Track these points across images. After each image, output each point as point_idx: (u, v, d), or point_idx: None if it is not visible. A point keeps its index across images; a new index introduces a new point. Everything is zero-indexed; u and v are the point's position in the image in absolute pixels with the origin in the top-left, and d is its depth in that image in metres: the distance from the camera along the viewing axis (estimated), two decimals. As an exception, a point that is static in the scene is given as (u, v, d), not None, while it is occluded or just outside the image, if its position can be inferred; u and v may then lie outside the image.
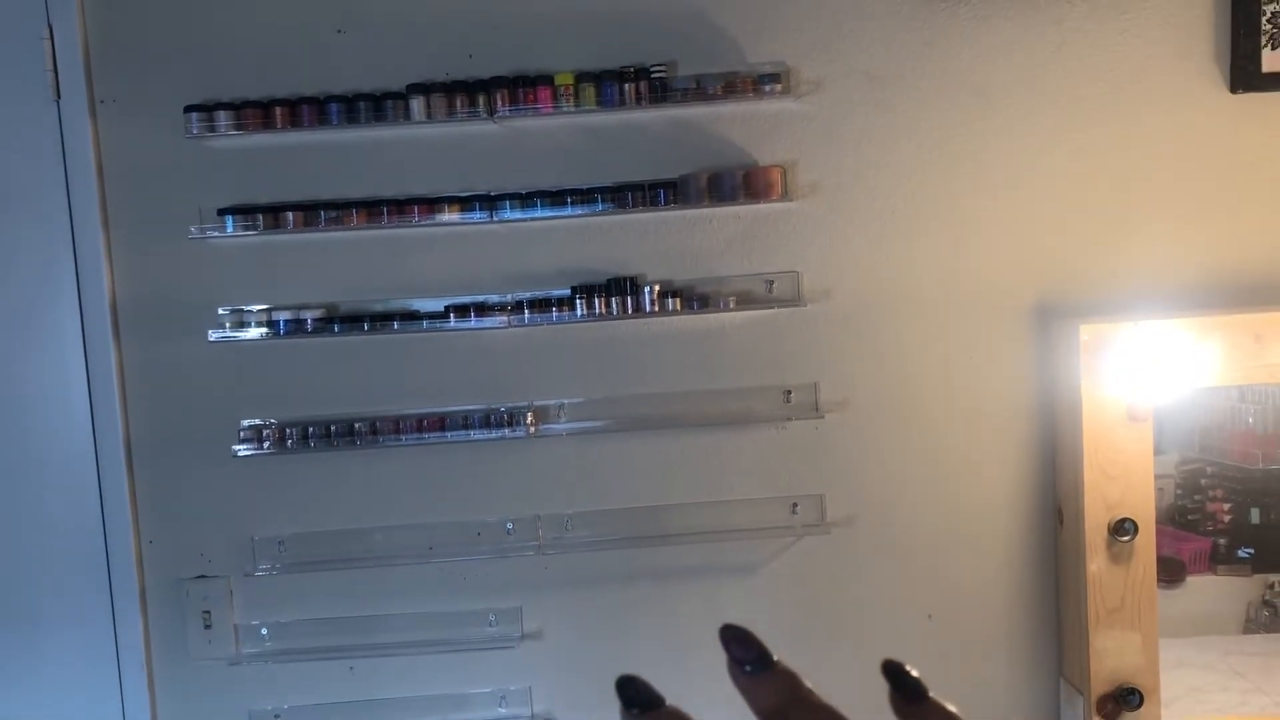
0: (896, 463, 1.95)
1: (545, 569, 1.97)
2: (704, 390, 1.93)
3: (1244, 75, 1.86)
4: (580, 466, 1.95)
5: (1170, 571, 2.01)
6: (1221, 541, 2.08)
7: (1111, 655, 1.80)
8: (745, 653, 0.37)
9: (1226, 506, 2.09)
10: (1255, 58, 1.85)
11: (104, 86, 1.90)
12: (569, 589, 1.98)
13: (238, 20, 1.88)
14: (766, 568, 1.97)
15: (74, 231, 1.91)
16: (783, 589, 1.98)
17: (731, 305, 1.89)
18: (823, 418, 1.93)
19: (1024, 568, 1.97)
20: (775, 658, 0.37)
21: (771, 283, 1.91)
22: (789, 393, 1.94)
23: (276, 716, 2.00)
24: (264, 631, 1.98)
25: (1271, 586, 2.09)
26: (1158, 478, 1.80)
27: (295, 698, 2.00)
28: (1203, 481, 2.09)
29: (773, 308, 1.91)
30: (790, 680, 0.37)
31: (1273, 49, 1.85)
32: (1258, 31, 1.85)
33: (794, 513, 1.96)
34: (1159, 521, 1.81)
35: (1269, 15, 1.85)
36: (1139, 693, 1.78)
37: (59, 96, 1.89)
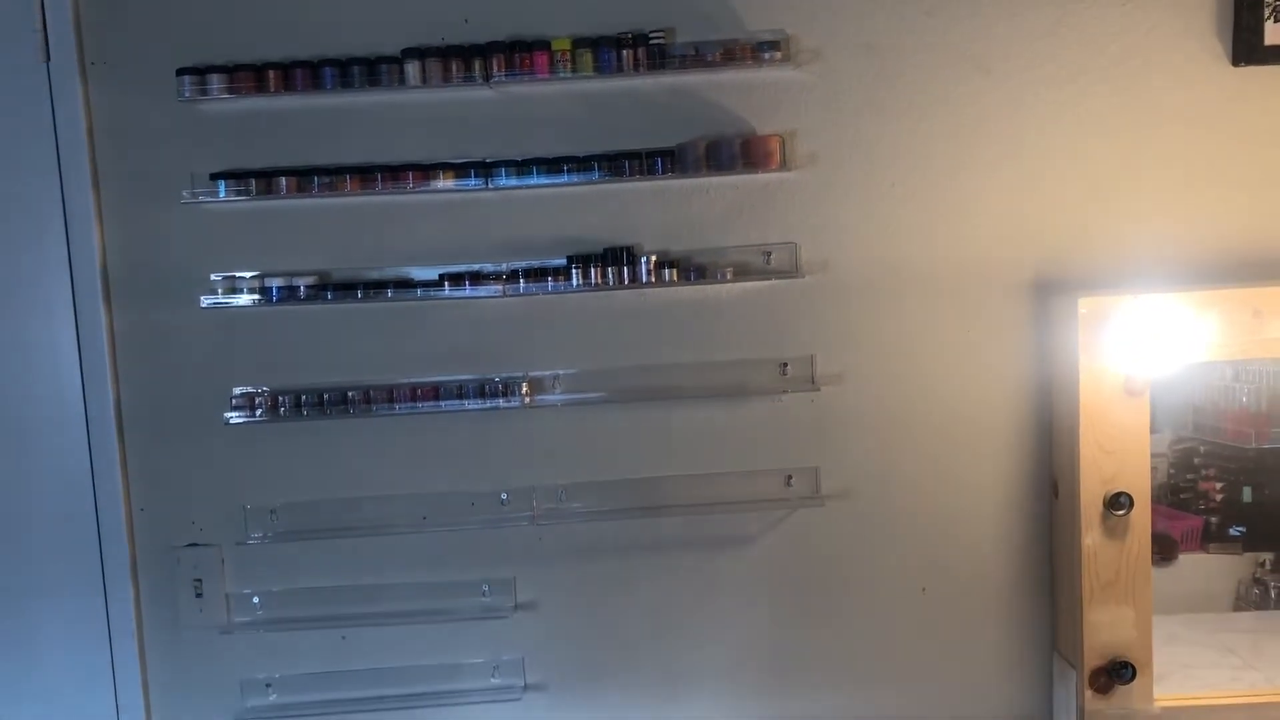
0: (892, 436, 1.95)
1: (539, 540, 1.97)
2: (700, 362, 1.92)
3: (1246, 48, 1.85)
4: (575, 437, 1.94)
5: (1163, 549, 2.01)
6: (1213, 520, 2.08)
7: (1105, 629, 1.80)
8: None
9: (1219, 485, 2.09)
10: (1258, 30, 1.84)
11: (94, 48, 1.87)
12: (563, 560, 1.97)
13: (231, -18, 1.86)
14: (761, 540, 1.97)
15: (64, 196, 1.88)
16: (777, 561, 1.97)
17: (729, 276, 1.88)
18: (819, 390, 1.92)
19: (1019, 541, 1.97)
20: None
21: (769, 254, 1.90)
22: (785, 365, 1.93)
23: (268, 685, 1.99)
24: (255, 600, 1.97)
25: (1262, 564, 2.10)
26: (1151, 456, 1.79)
27: (287, 667, 1.99)
28: (1195, 460, 2.09)
29: (770, 279, 1.90)
30: None
31: (1275, 21, 1.84)
32: (1260, 4, 1.84)
33: (789, 485, 1.95)
34: (1152, 500, 1.81)
35: (1272, -12, 1.84)
36: (1132, 666, 1.78)
37: (48, 58, 1.86)
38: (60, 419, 1.93)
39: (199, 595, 1.97)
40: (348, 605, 1.98)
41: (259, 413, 1.89)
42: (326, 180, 1.84)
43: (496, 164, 1.85)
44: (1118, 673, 1.78)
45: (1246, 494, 2.09)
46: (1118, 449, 1.76)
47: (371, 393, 1.89)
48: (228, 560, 1.97)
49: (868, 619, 1.98)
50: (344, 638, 1.98)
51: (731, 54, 1.82)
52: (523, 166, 1.84)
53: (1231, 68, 1.88)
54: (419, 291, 1.87)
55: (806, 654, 1.99)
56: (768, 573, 1.97)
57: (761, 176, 1.88)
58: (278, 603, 1.98)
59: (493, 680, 1.99)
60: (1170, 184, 1.90)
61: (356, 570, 1.97)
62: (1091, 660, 1.80)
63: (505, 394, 1.89)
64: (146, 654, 1.99)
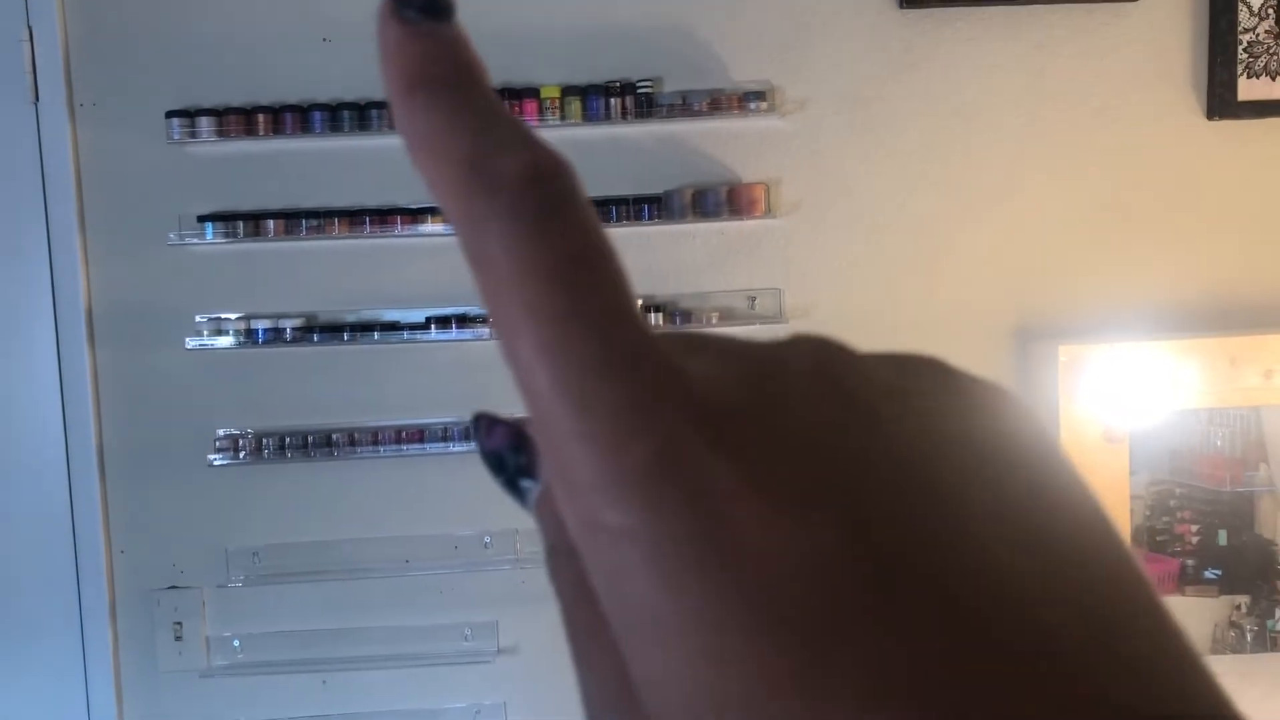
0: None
1: (522, 583, 1.96)
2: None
3: (1221, 103, 1.89)
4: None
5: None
6: (1189, 563, 2.10)
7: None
8: None
9: (1195, 528, 2.11)
10: (1232, 85, 1.88)
11: (84, 90, 1.87)
12: (546, 603, 1.94)
13: (222, 25, 1.87)
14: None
15: (50, 236, 1.88)
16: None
17: (714, 321, 1.89)
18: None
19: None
20: (455, 16, 0.22)
21: (754, 299, 1.92)
22: (769, 409, 1.94)
23: (247, 730, 1.98)
24: (236, 643, 1.96)
25: (1239, 608, 2.12)
26: (1129, 499, 1.82)
27: (267, 711, 1.97)
28: (1171, 503, 2.11)
29: (755, 324, 1.92)
30: (454, 48, 0.22)
31: (1249, 77, 1.89)
32: (1234, 60, 1.88)
33: (773, 529, 1.95)
34: (1130, 543, 1.83)
35: (1245, 44, 1.88)
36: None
37: (37, 99, 1.86)
38: (41, 459, 1.91)
39: (178, 638, 1.95)
40: (329, 649, 1.96)
41: (243, 455, 1.88)
42: (315, 223, 1.85)
43: (484, 209, 1.85)
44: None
45: (1222, 537, 2.11)
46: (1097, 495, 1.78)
47: (356, 435, 1.89)
48: (208, 603, 1.96)
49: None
50: (324, 682, 1.97)
51: (718, 103, 1.84)
52: (511, 211, 1.85)
53: (1206, 121, 1.92)
54: (405, 334, 1.88)
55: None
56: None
57: (747, 223, 1.90)
58: (258, 646, 1.96)
59: (475, 725, 1.99)
60: (1148, 234, 1.93)
61: (338, 613, 1.96)
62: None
63: (490, 437, 1.89)
64: (124, 698, 1.96)
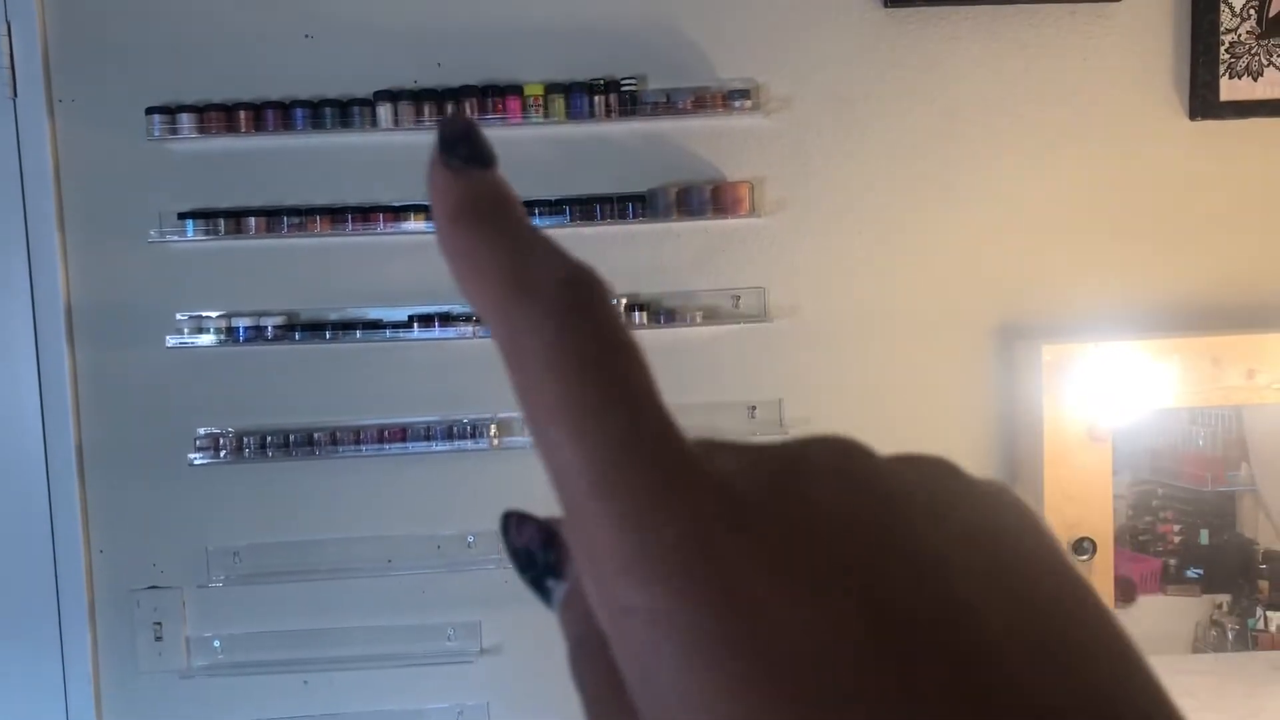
0: (859, 480, 1.96)
1: (505, 583, 1.95)
2: (669, 404, 1.92)
3: (1203, 103, 1.90)
4: (543, 480, 1.93)
5: (1122, 591, 2.03)
6: (1171, 562, 2.11)
7: (1069, 673, 1.81)
8: (457, 142, 0.25)
9: (1177, 528, 2.12)
10: (1214, 86, 1.89)
11: (63, 85, 1.86)
12: (529, 604, 1.93)
13: (203, 21, 1.86)
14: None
15: (28, 233, 1.86)
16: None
17: (698, 320, 1.89)
18: (787, 434, 1.94)
19: (983, 586, 1.98)
20: (495, 164, 0.25)
21: (738, 298, 1.92)
22: (754, 408, 1.94)
23: (227, 731, 1.96)
24: (216, 644, 1.94)
25: (1220, 607, 2.13)
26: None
27: (248, 712, 1.96)
28: (1154, 503, 2.12)
29: (739, 323, 1.92)
30: (495, 188, 0.25)
31: (1231, 78, 1.89)
32: (1216, 61, 1.89)
33: (756, 529, 1.95)
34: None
35: (1227, 45, 1.89)
36: (1095, 711, 1.80)
37: (15, 94, 1.84)
38: (20, 458, 1.89)
39: (158, 639, 1.93)
40: (310, 649, 1.95)
41: (224, 454, 1.87)
42: (296, 220, 1.83)
43: (468, 206, 1.85)
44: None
45: (1204, 536, 2.12)
46: (1081, 495, 1.79)
47: (338, 434, 1.88)
48: (189, 603, 1.94)
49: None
50: (306, 682, 1.96)
51: (703, 102, 1.84)
52: (494, 209, 1.84)
53: (1189, 121, 1.92)
54: (388, 332, 1.87)
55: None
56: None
57: (731, 222, 1.90)
58: (239, 646, 1.95)
59: (457, 725, 1.98)
60: (1131, 234, 1.94)
61: (320, 613, 1.95)
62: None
63: (473, 436, 1.89)
64: (103, 699, 1.95)
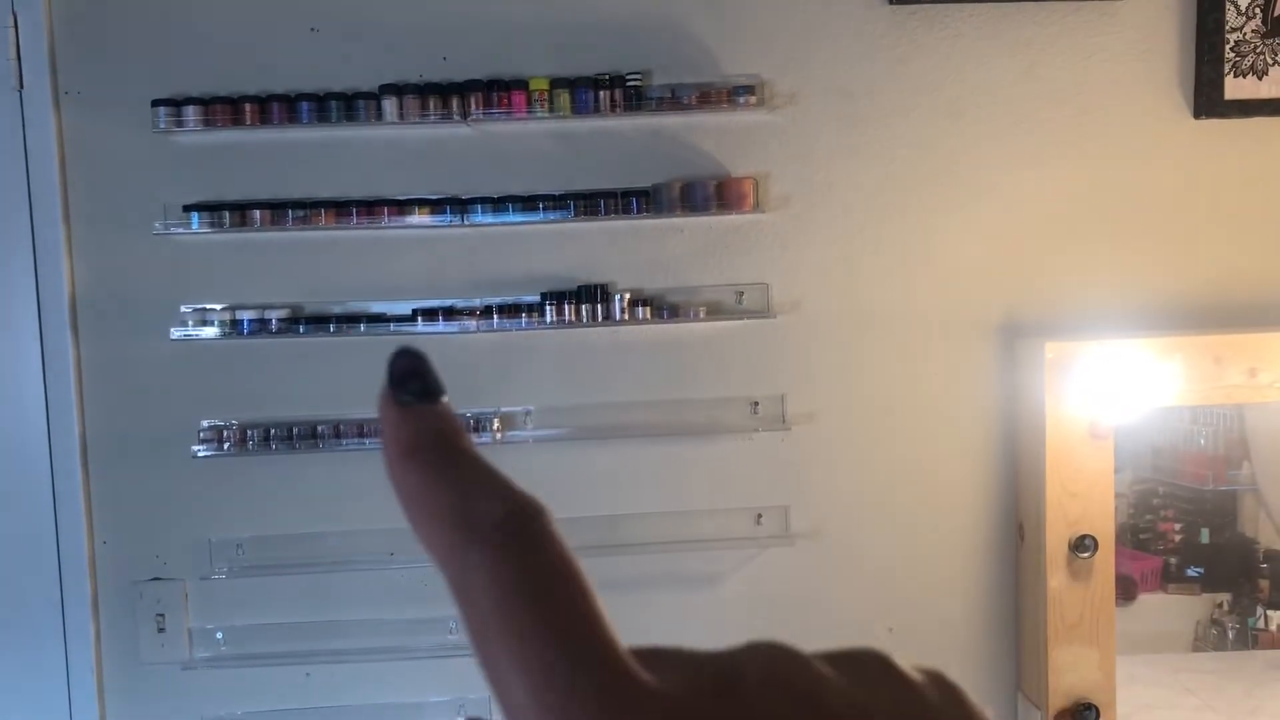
0: (861, 476, 1.96)
1: (508, 576, 1.96)
2: (672, 400, 1.93)
3: (1207, 101, 1.90)
4: (546, 474, 1.94)
5: (1123, 589, 2.03)
6: (1172, 560, 2.11)
7: (1069, 671, 1.82)
8: (407, 378, 0.27)
9: (1177, 526, 2.12)
10: (1219, 84, 1.89)
11: (69, 77, 1.86)
12: (531, 597, 1.96)
13: (209, 14, 1.86)
14: (730, 578, 1.98)
15: (33, 225, 1.87)
16: (746, 600, 1.98)
17: (701, 315, 1.89)
18: (789, 430, 1.94)
19: (985, 583, 1.99)
20: (444, 396, 0.26)
21: (741, 294, 1.92)
22: (756, 404, 1.94)
23: (230, 723, 1.97)
24: (219, 635, 1.95)
25: (1220, 605, 2.13)
26: (1113, 496, 1.83)
27: (250, 704, 1.96)
28: (1155, 501, 2.12)
29: (742, 319, 1.92)
30: (442, 422, 0.26)
31: (1235, 76, 1.89)
32: (1221, 59, 1.89)
33: (758, 524, 1.96)
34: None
35: (1232, 43, 1.89)
36: (1095, 708, 1.80)
37: (21, 86, 1.85)
38: (24, 449, 1.90)
39: (161, 630, 1.94)
40: (312, 641, 1.96)
41: (227, 446, 1.87)
42: (301, 214, 1.84)
43: (472, 201, 1.85)
44: (1082, 714, 1.80)
45: (1204, 535, 2.12)
46: (1082, 492, 1.79)
47: (341, 427, 1.89)
48: (191, 595, 1.95)
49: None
50: (308, 674, 1.96)
51: (707, 97, 1.84)
52: (499, 204, 1.85)
53: (1193, 120, 1.92)
54: (392, 326, 1.87)
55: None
56: (736, 611, 1.98)
57: (735, 217, 1.90)
58: (242, 638, 1.95)
59: (459, 719, 1.98)
60: (1134, 232, 1.94)
61: (322, 606, 1.96)
62: (1056, 701, 1.82)
63: (477, 429, 1.89)
64: (105, 690, 1.95)
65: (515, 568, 0.23)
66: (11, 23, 1.83)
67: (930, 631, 1.99)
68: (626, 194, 1.85)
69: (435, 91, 1.82)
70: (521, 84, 1.83)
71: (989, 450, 1.96)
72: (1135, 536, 2.10)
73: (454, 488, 0.25)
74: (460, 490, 0.25)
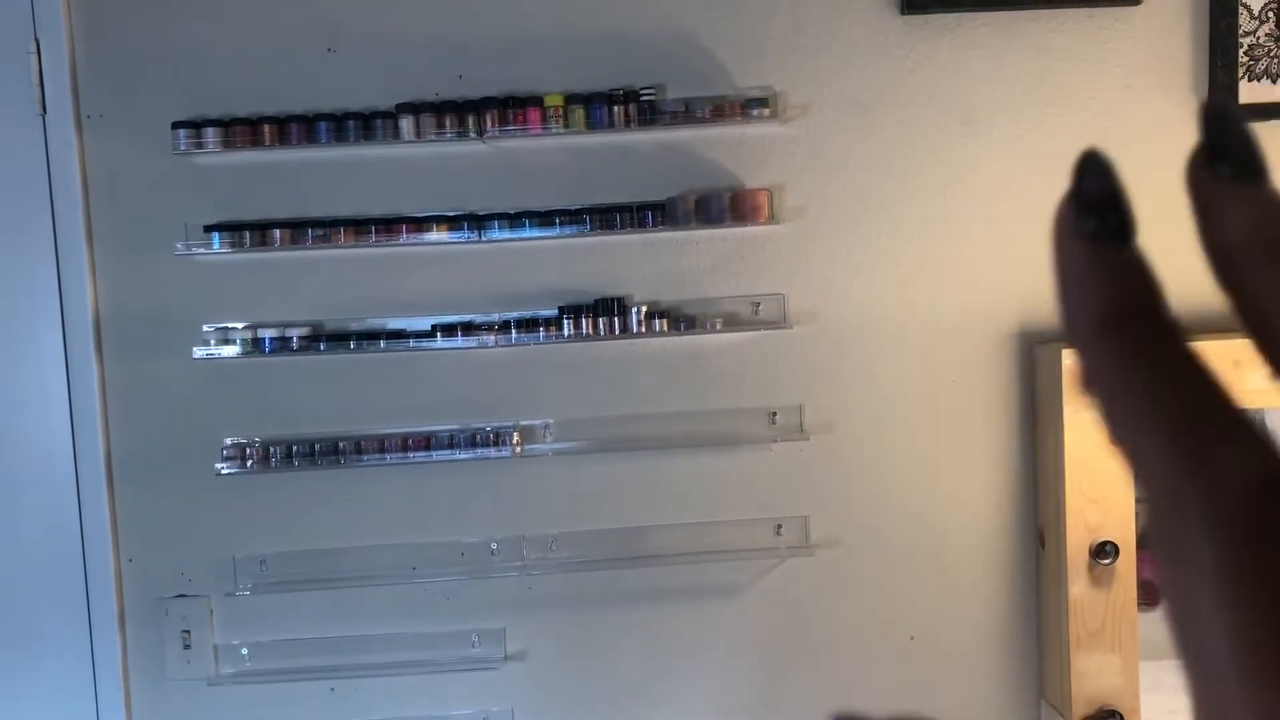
0: (880, 485, 1.96)
1: (529, 590, 1.97)
2: (690, 411, 1.94)
3: (1222, 106, 1.89)
4: (565, 487, 1.95)
5: (1145, 594, 2.02)
6: (1195, 565, 2.10)
7: (1092, 677, 1.81)
8: (1104, 207, 0.21)
9: (1200, 530, 2.11)
10: (1233, 89, 1.89)
11: (90, 101, 1.89)
12: (553, 610, 1.97)
13: (227, 37, 1.88)
14: (751, 589, 1.98)
15: (58, 247, 1.89)
16: (766, 610, 1.98)
17: (718, 327, 1.90)
18: (808, 440, 1.94)
19: (1005, 590, 1.98)
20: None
21: (758, 305, 1.93)
22: (774, 415, 1.95)
23: (255, 738, 1.98)
24: (244, 651, 1.96)
25: (1245, 610, 2.11)
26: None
27: (275, 719, 1.98)
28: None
29: (759, 330, 1.92)
30: (1152, 295, 0.20)
31: (1250, 80, 1.89)
32: (1235, 64, 1.89)
33: (778, 534, 1.96)
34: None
35: (1246, 48, 1.88)
36: (1120, 715, 1.79)
37: (44, 111, 1.88)
38: (49, 468, 1.92)
39: (187, 646, 1.96)
40: (336, 656, 1.97)
41: (250, 463, 1.89)
42: (320, 232, 1.85)
43: (489, 217, 1.87)
44: (1106, 721, 1.80)
45: (1227, 540, 2.11)
46: (1103, 498, 1.78)
47: (362, 443, 1.90)
48: (216, 611, 1.96)
49: (855, 667, 1.99)
50: (333, 689, 1.98)
51: (721, 110, 1.85)
52: (515, 219, 1.86)
53: (1208, 125, 1.92)
54: (411, 342, 1.89)
55: (794, 703, 1.99)
56: (757, 622, 1.98)
57: (750, 229, 1.91)
58: (266, 654, 1.97)
59: (482, 731, 1.99)
60: (1151, 237, 1.93)
61: (345, 621, 1.97)
62: (1079, 709, 1.81)
63: (496, 444, 1.90)
64: (132, 706, 1.97)
65: (1249, 559, 0.18)
66: (34, 49, 1.86)
67: (952, 639, 1.99)
68: (642, 207, 1.86)
69: (451, 109, 1.84)
70: (536, 100, 1.84)
71: (1008, 457, 1.96)
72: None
73: (1182, 407, 0.19)
74: (1191, 410, 0.19)
